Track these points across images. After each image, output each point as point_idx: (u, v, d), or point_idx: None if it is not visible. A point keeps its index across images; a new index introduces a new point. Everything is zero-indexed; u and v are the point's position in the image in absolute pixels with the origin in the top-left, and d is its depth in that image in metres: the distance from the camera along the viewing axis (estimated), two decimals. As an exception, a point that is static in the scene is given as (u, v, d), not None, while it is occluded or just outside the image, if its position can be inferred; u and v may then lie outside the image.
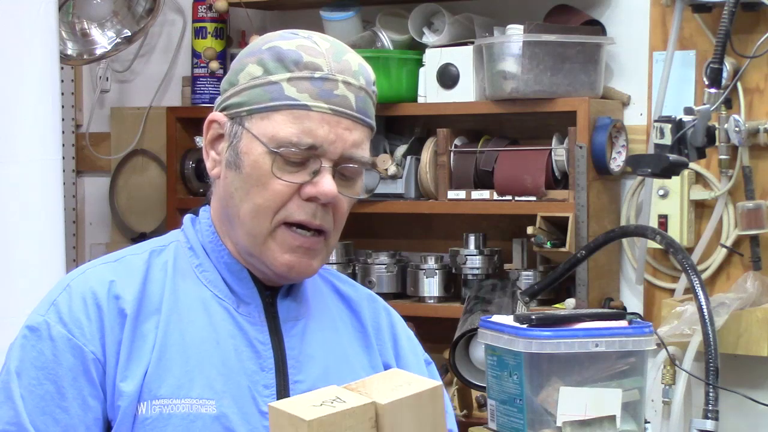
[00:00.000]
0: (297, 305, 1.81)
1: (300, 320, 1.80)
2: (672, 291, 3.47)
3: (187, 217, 1.85)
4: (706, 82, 3.12)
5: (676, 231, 3.39)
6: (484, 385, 2.68)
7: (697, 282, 2.73)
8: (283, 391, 1.74)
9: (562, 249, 3.39)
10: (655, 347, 2.70)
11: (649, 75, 3.52)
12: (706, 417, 2.70)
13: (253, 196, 1.73)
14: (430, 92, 3.61)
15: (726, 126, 3.26)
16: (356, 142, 1.73)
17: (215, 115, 1.78)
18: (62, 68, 3.51)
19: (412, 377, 1.50)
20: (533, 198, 3.47)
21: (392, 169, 3.64)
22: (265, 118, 1.72)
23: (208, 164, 1.80)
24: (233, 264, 1.78)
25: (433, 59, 3.60)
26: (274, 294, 1.80)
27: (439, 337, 3.63)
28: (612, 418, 2.39)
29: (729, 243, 3.39)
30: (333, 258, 3.76)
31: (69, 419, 1.69)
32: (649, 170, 2.99)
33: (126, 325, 1.71)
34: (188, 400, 1.69)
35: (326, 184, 1.71)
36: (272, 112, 1.72)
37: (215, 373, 1.71)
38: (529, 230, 3.40)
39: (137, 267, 1.77)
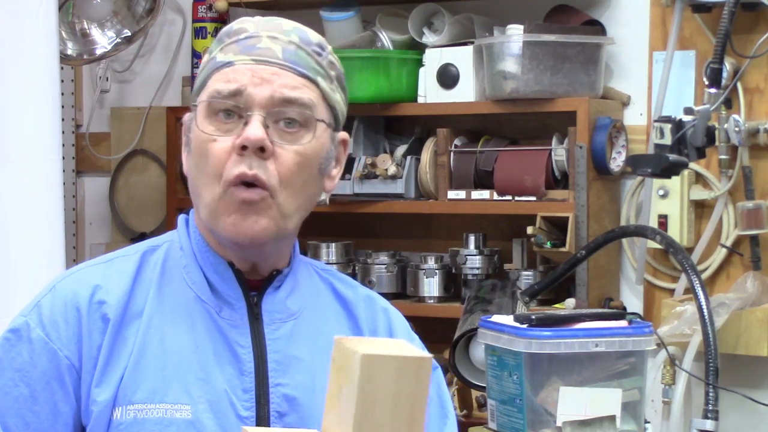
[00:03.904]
0: (285, 306, 1.78)
1: (287, 321, 1.77)
2: (672, 291, 3.47)
3: (181, 218, 1.84)
4: (706, 82, 3.12)
5: (676, 231, 3.39)
6: (484, 385, 2.68)
7: (697, 282, 2.73)
8: (262, 395, 1.72)
9: (562, 249, 3.39)
10: (655, 347, 2.70)
11: (649, 75, 3.52)
12: (706, 417, 2.70)
13: (201, 169, 1.72)
14: (430, 92, 3.61)
15: (726, 126, 3.26)
16: (286, 84, 1.70)
17: (185, 115, 1.81)
18: (62, 68, 3.51)
19: (410, 347, 1.49)
20: (533, 198, 3.47)
21: (392, 169, 3.64)
22: (204, 89, 1.74)
23: (183, 162, 1.80)
24: (219, 264, 1.76)
25: (433, 59, 3.60)
26: (260, 294, 1.78)
27: (439, 337, 3.62)
28: (612, 418, 2.39)
29: (729, 243, 3.39)
30: (333, 258, 3.76)
31: (39, 423, 1.69)
32: (649, 170, 2.99)
33: (108, 331, 1.71)
34: (163, 405, 1.68)
35: (251, 128, 1.68)
36: (207, 80, 1.74)
37: (192, 377, 1.70)
38: (529, 230, 3.40)
39: (127, 269, 1.77)
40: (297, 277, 1.82)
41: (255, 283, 1.78)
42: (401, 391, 1.44)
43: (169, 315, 1.74)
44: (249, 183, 1.69)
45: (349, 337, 1.48)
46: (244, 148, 1.68)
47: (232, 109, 1.70)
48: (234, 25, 1.77)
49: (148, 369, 1.70)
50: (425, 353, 1.46)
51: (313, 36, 1.77)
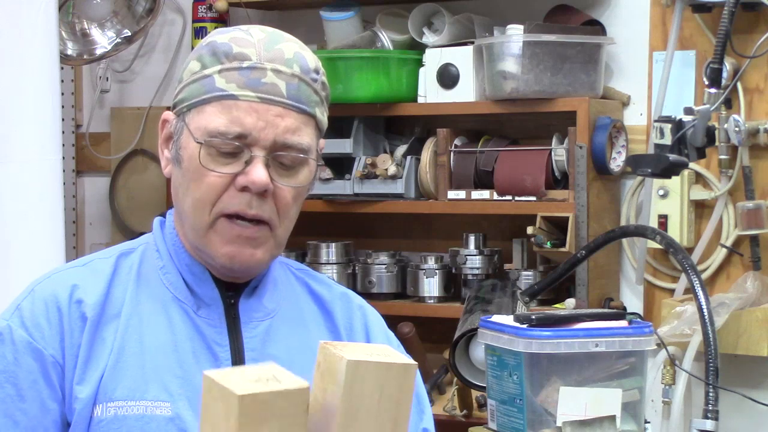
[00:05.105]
0: (261, 305, 1.80)
1: (264, 321, 1.80)
2: (672, 291, 3.47)
3: (156, 220, 1.86)
4: (706, 82, 3.12)
5: (676, 231, 3.39)
6: (484, 385, 2.68)
7: (697, 282, 2.73)
8: None
9: (562, 249, 3.38)
10: (655, 347, 2.70)
11: (649, 75, 3.52)
12: (706, 417, 2.69)
13: (192, 191, 1.74)
14: (430, 92, 3.61)
15: (726, 126, 3.26)
16: (289, 128, 1.72)
17: (166, 114, 1.81)
18: (62, 68, 3.51)
19: (394, 353, 1.50)
20: (533, 198, 3.47)
21: (392, 169, 3.64)
22: (200, 111, 1.74)
23: (162, 163, 1.82)
24: (194, 265, 1.79)
25: (433, 59, 3.60)
26: (236, 295, 1.80)
27: (439, 337, 3.63)
28: (612, 418, 2.39)
29: (729, 243, 3.39)
30: (333, 258, 3.76)
31: (28, 421, 1.71)
32: (649, 170, 2.99)
33: (86, 330, 1.73)
34: (143, 402, 1.70)
35: (256, 172, 1.70)
36: (204, 104, 1.73)
37: (171, 375, 1.72)
38: (529, 230, 3.40)
39: (103, 271, 1.79)
40: (274, 276, 1.84)
41: (231, 282, 1.80)
42: (385, 396, 1.45)
43: (147, 315, 1.76)
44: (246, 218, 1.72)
45: (334, 342, 1.49)
46: (246, 188, 1.70)
47: (234, 150, 1.71)
48: (233, 45, 1.73)
49: (127, 367, 1.72)
50: (410, 360, 1.48)
51: (311, 60, 1.76)
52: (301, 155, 1.73)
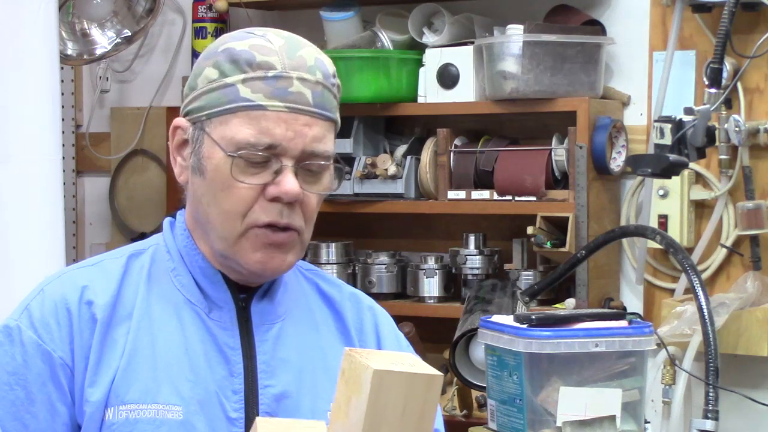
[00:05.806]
0: (273, 308, 1.80)
1: (275, 323, 1.79)
2: (672, 291, 3.47)
3: (166, 221, 1.85)
4: (706, 82, 3.12)
5: (676, 231, 3.39)
6: (484, 385, 2.68)
7: (697, 282, 2.73)
8: (251, 397, 1.74)
9: (562, 249, 3.38)
10: (655, 347, 2.70)
11: (649, 75, 3.52)
12: (706, 417, 2.69)
13: (220, 201, 1.72)
14: (430, 92, 3.61)
15: (726, 126, 3.26)
16: (317, 136, 1.72)
17: (179, 120, 1.78)
18: (62, 68, 3.51)
19: (419, 362, 1.50)
20: (533, 198, 3.47)
21: (392, 169, 3.64)
22: (224, 122, 1.71)
23: (176, 170, 1.80)
24: (207, 268, 1.78)
25: (433, 59, 3.60)
26: (248, 297, 1.79)
27: (439, 337, 3.62)
28: (612, 418, 2.39)
29: (729, 243, 3.39)
30: (333, 258, 3.76)
31: (38, 425, 1.70)
32: (649, 170, 2.99)
33: (96, 331, 1.72)
34: (155, 406, 1.70)
35: (288, 183, 1.70)
36: (229, 115, 1.71)
37: (183, 379, 1.72)
38: (529, 230, 3.40)
39: (114, 272, 1.78)
40: (284, 279, 1.83)
41: (243, 285, 1.80)
42: (410, 407, 1.45)
43: (159, 317, 1.75)
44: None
45: (359, 350, 1.49)
46: (277, 198, 1.71)
47: (262, 160, 1.71)
48: (255, 54, 1.71)
49: (139, 370, 1.71)
50: (435, 371, 1.48)
51: (329, 65, 1.77)
52: (327, 161, 1.74)
